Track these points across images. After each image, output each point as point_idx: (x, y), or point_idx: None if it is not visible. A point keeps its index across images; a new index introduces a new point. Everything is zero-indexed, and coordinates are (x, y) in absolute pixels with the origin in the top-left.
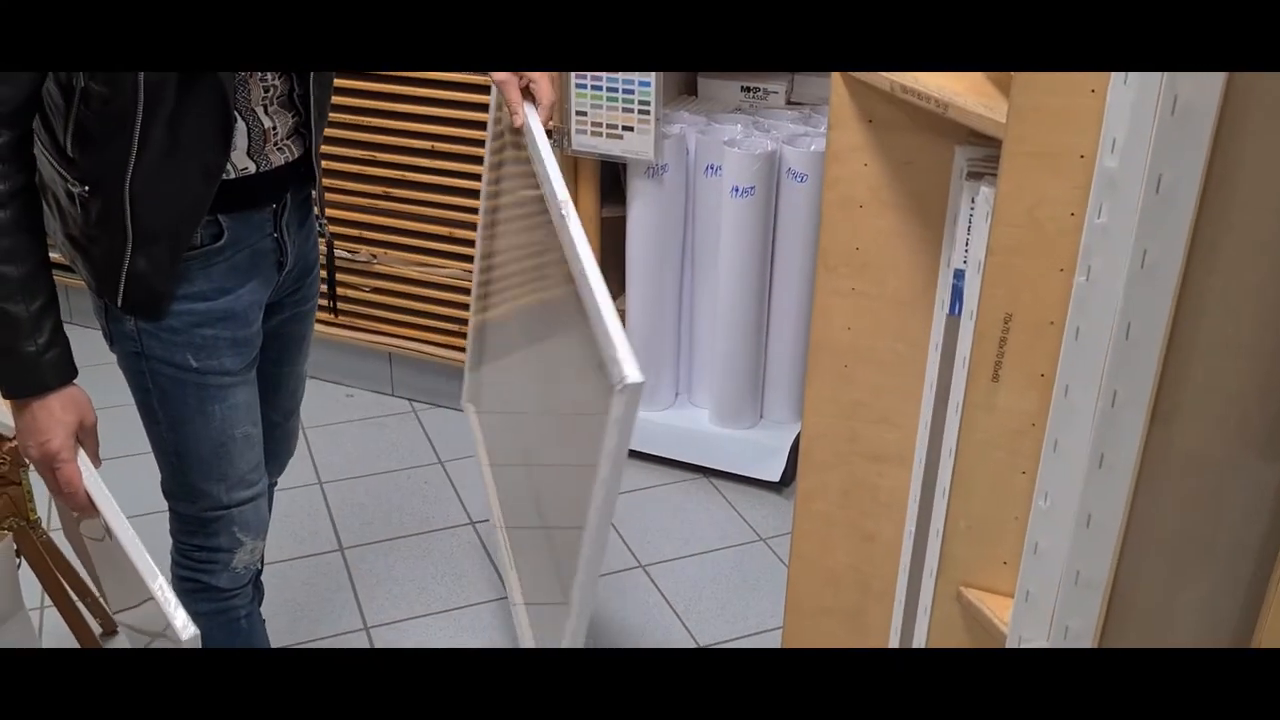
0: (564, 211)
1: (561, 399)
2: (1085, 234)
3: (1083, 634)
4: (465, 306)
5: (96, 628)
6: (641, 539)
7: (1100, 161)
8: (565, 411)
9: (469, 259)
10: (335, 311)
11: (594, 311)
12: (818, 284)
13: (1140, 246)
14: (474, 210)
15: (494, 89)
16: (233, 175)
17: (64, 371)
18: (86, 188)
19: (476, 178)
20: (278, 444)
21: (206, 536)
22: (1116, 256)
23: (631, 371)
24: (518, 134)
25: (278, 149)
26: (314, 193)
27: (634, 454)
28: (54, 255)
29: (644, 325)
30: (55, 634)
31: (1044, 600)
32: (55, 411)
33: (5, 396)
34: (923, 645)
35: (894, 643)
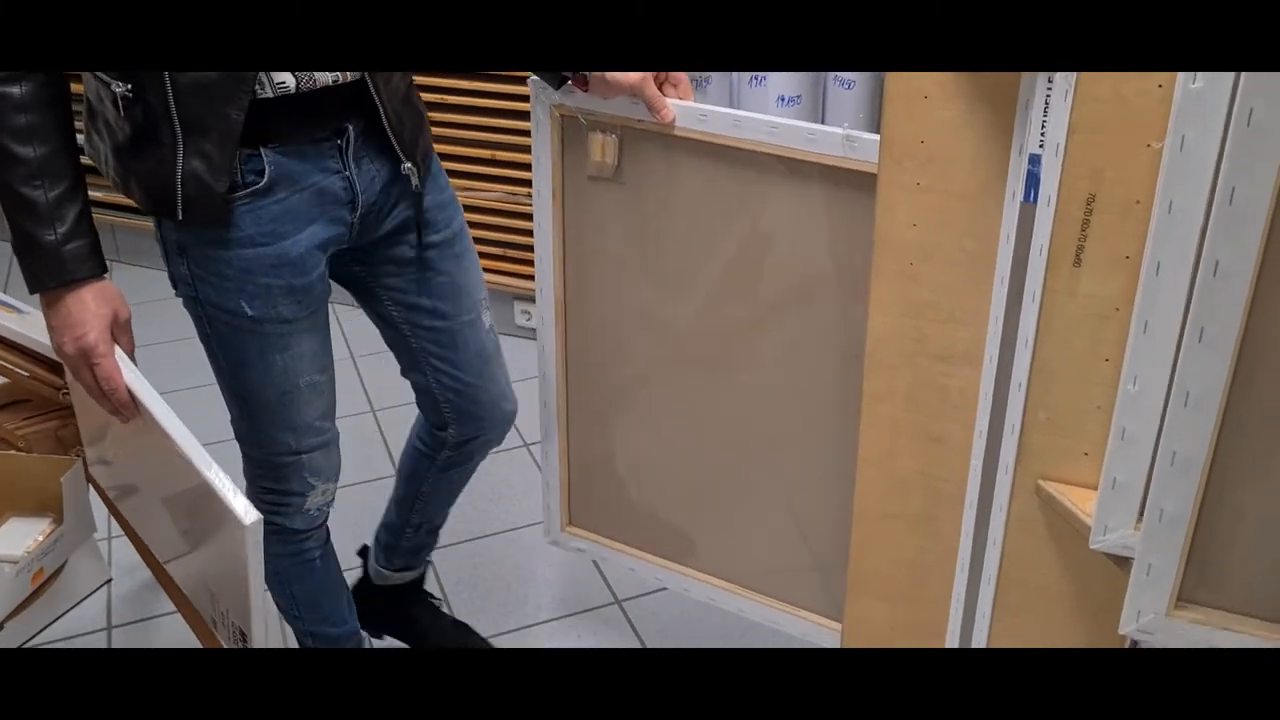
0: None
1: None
2: (1178, 100)
3: (1179, 518)
4: (511, 230)
5: None
6: None
7: None
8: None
9: (514, 181)
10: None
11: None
12: (881, 178)
13: (1245, 105)
14: (518, 131)
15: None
16: (269, 93)
17: (90, 264)
18: (129, 86)
19: (519, 98)
20: (472, 404)
21: (278, 480)
22: (1212, 123)
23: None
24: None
25: None
26: (386, 125)
27: None
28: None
29: None
30: (124, 564)
31: (1132, 487)
32: (88, 303)
33: (32, 290)
34: (999, 543)
35: (966, 544)
